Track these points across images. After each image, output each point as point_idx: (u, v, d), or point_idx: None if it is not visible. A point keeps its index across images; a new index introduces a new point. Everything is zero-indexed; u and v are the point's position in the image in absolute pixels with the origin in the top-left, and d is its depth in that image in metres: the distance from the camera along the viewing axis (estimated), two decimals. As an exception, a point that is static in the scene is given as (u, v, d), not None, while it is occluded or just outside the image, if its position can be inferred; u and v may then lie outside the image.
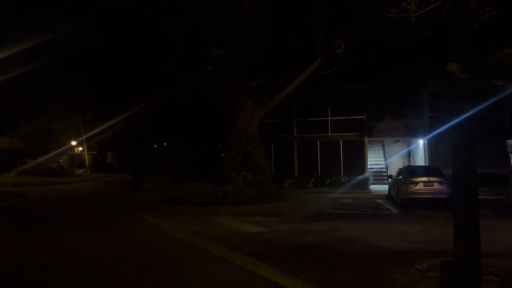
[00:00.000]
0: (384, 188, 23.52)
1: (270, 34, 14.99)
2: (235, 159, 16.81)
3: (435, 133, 23.95)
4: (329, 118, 25.44)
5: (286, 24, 16.37)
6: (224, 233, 10.41)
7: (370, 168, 25.68)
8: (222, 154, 37.66)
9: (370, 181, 23.94)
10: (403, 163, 31.14)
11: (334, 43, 16.49)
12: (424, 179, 14.90)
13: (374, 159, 27.38)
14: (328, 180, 24.36)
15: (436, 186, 14.79)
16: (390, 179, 17.70)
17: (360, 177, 24.07)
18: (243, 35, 13.44)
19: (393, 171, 28.37)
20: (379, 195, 20.26)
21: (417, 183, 14.89)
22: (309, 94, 24.40)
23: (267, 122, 23.10)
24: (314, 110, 25.55)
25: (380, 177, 25.94)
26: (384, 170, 27.05)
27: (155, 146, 67.70)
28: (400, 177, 16.34)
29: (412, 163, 29.78)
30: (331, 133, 25.41)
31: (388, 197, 18.69)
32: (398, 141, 30.25)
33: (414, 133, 25.34)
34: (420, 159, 25.73)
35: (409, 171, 15.97)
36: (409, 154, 30.44)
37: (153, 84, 24.18)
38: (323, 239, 9.48)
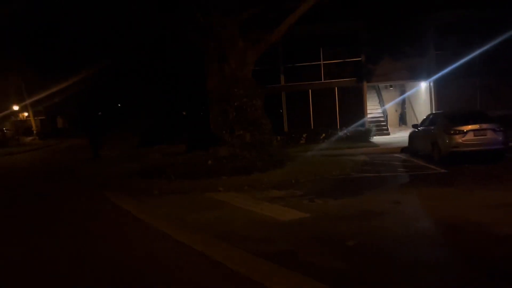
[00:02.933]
0: (388, 140, 20.57)
1: None
2: (226, 114, 12.90)
3: (442, 73, 20.93)
4: (321, 62, 21.73)
5: None
6: (250, 225, 6.77)
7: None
8: (184, 112, 33.71)
9: (373, 133, 20.83)
10: (396, 111, 28.38)
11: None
12: (474, 127, 11.73)
13: (370, 108, 24.24)
14: (323, 134, 21.06)
15: (489, 135, 11.68)
16: (416, 129, 14.45)
17: (361, 128, 20.90)
18: None
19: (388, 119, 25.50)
20: (391, 149, 17.23)
21: (465, 132, 11.71)
22: (298, 33, 20.43)
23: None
24: (304, 53, 21.70)
25: (379, 127, 22.92)
26: (382, 119, 24.05)
27: (111, 107, 62.02)
28: (434, 126, 13.13)
29: (408, 110, 27.01)
30: (324, 79, 21.79)
31: (408, 150, 15.60)
32: (391, 86, 27.24)
33: (417, 75, 22.17)
34: (423, 104, 22.76)
35: (450, 118, 12.70)
36: (403, 101, 27.61)
37: (111, 32, 19.48)
38: (414, 227, 6.07)
